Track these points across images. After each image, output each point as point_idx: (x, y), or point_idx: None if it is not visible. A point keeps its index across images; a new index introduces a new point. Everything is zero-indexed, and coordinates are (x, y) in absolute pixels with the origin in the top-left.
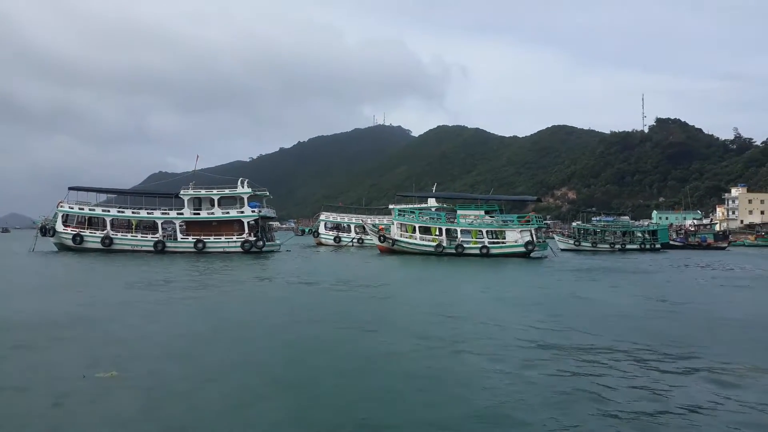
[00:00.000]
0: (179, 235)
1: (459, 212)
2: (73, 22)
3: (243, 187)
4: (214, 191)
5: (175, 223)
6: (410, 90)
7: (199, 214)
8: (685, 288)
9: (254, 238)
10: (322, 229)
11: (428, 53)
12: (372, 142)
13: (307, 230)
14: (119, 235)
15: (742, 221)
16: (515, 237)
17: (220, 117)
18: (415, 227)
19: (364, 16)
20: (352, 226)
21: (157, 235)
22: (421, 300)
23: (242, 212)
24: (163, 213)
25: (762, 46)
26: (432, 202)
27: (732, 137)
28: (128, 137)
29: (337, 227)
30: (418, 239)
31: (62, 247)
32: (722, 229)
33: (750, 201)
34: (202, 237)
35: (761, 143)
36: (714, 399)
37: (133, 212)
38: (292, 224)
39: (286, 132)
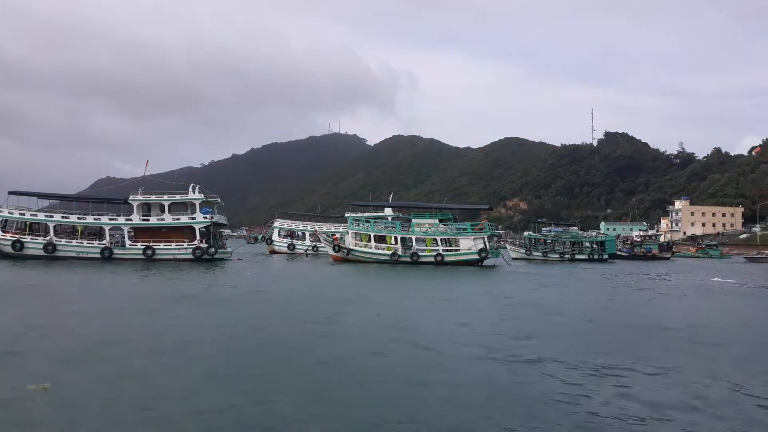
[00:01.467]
0: (128, 242)
1: (414, 221)
2: (10, 19)
3: (194, 193)
4: (165, 197)
5: (123, 230)
6: (361, 97)
7: (148, 220)
8: (626, 296)
9: (206, 245)
10: (275, 237)
11: (376, 60)
12: (327, 150)
13: (260, 238)
14: (63, 241)
15: (684, 233)
16: (469, 245)
17: (169, 121)
18: (370, 236)
19: (308, 21)
20: (307, 234)
21: (104, 242)
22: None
23: (194, 218)
24: (110, 219)
25: (705, 64)
26: (388, 211)
27: (676, 152)
28: (72, 141)
29: (292, 235)
30: (373, 248)
31: (0, 254)
32: (666, 240)
33: (692, 213)
34: (151, 243)
35: (703, 158)
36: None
37: (78, 218)
38: (244, 232)
39: (239, 138)
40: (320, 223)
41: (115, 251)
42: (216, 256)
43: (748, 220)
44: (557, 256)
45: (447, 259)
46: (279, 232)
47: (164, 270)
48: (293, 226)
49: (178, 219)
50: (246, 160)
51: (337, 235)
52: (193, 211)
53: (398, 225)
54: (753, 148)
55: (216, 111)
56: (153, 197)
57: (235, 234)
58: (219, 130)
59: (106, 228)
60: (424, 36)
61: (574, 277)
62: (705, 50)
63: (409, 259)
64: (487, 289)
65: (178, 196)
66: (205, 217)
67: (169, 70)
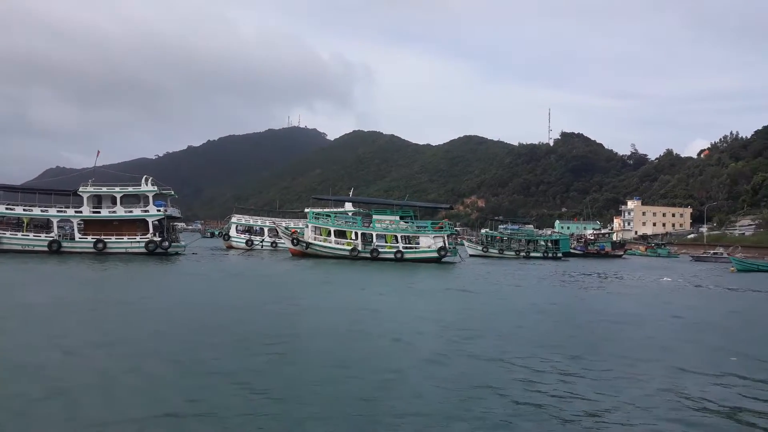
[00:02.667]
0: (77, 235)
1: (375, 217)
2: None
3: (147, 185)
4: (117, 189)
5: (72, 222)
6: (316, 88)
7: (99, 212)
8: (575, 292)
9: (159, 239)
10: (233, 232)
11: (328, 51)
12: (286, 144)
13: (216, 233)
14: (8, 233)
15: (636, 232)
16: (429, 242)
17: (121, 111)
18: (330, 231)
19: (255, 8)
20: (265, 229)
21: (52, 235)
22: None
23: (147, 211)
24: (59, 211)
25: (656, 69)
26: (349, 206)
27: (629, 153)
28: (17, 130)
29: (250, 230)
30: (333, 243)
31: None
32: (618, 239)
33: (644, 213)
34: (102, 237)
35: (655, 159)
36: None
37: (24, 209)
38: (199, 225)
39: (195, 130)
40: (279, 219)
41: (64, 244)
42: (170, 250)
43: (696, 220)
44: (513, 253)
45: (407, 256)
46: (236, 227)
47: (114, 264)
48: (251, 222)
49: (131, 212)
50: (202, 152)
51: (296, 229)
52: (146, 204)
53: (359, 221)
54: (702, 151)
55: (170, 101)
56: (104, 189)
57: (190, 227)
58: (174, 121)
59: (54, 220)
60: (382, 31)
61: (529, 274)
62: (657, 55)
63: (368, 255)
64: (445, 284)
65: (130, 188)
66: (158, 210)
67: (113, 58)
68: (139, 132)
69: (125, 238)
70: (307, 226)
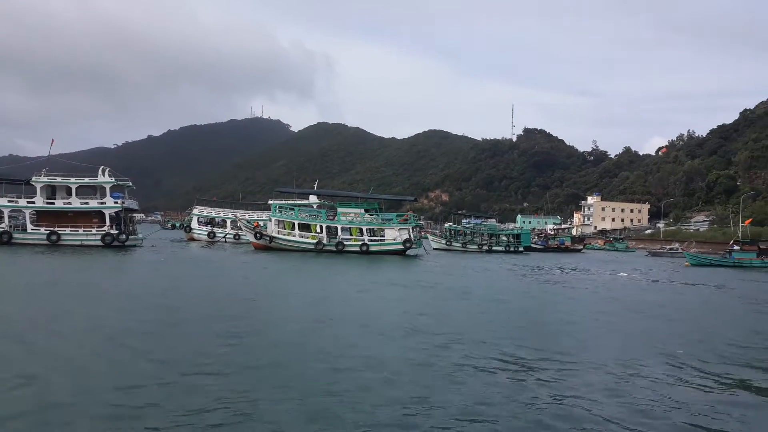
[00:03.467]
0: (29, 226)
1: (340, 210)
2: None
3: (104, 176)
4: (72, 179)
5: (24, 213)
6: (277, 76)
7: (53, 203)
8: (532, 286)
9: (116, 231)
10: (194, 224)
11: (288, 39)
12: (249, 135)
13: (177, 225)
14: None
15: (596, 227)
16: (394, 235)
17: (78, 99)
18: (294, 224)
19: None
20: (228, 222)
21: (3, 225)
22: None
23: (103, 203)
24: (10, 201)
25: (616, 67)
26: (313, 199)
27: (590, 149)
28: None
29: (211, 222)
30: (297, 236)
31: None
32: (578, 233)
33: (603, 209)
34: (56, 228)
35: (615, 156)
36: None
37: None
38: (159, 217)
39: (155, 119)
40: (242, 211)
41: (15, 236)
42: (127, 243)
43: (654, 216)
44: (476, 247)
45: (372, 248)
46: (198, 219)
47: (66, 255)
48: (213, 213)
49: (87, 203)
50: (163, 142)
51: (260, 223)
52: (103, 195)
53: (324, 213)
54: (660, 149)
55: (129, 90)
56: (59, 179)
57: (150, 219)
58: (134, 110)
59: (5, 211)
60: (345, 23)
61: (491, 266)
62: (616, 55)
63: (334, 248)
64: (412, 277)
65: (86, 179)
66: (115, 202)
67: (69, 44)
68: (97, 121)
69: (80, 230)
70: (270, 220)
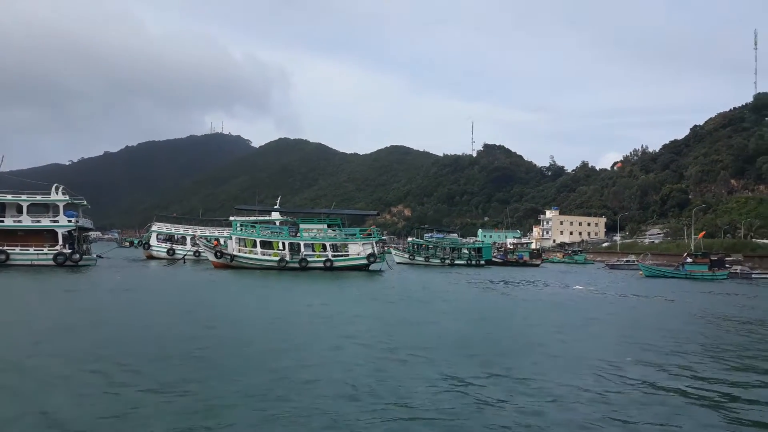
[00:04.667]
0: None
1: (302, 226)
2: None
3: (58, 193)
4: (23, 197)
5: None
6: (232, 91)
7: (2, 221)
8: (488, 300)
9: (69, 251)
10: (153, 241)
11: (240, 52)
12: (209, 151)
13: (136, 242)
14: None
15: (554, 240)
16: (358, 250)
17: (29, 113)
18: (255, 241)
19: (161, 8)
20: (188, 239)
21: None
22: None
23: (56, 221)
24: None
25: (568, 83)
26: (276, 215)
27: (548, 164)
28: None
29: (171, 239)
30: (259, 254)
31: None
32: (537, 247)
33: (561, 222)
34: (5, 248)
35: (572, 171)
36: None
37: None
38: (116, 235)
39: (112, 136)
40: (202, 227)
41: None
42: (81, 262)
43: (610, 229)
44: (438, 261)
45: (336, 264)
46: (157, 236)
47: (11, 276)
48: (173, 230)
49: (38, 221)
50: (120, 159)
51: (219, 241)
52: (56, 214)
53: (286, 230)
54: (615, 163)
55: (84, 105)
56: (9, 197)
57: (106, 237)
58: (90, 126)
59: None
60: (302, 38)
61: (452, 280)
62: (571, 71)
63: (297, 265)
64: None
65: (38, 197)
66: (69, 220)
67: (16, 57)
68: (49, 136)
69: (31, 250)
70: (230, 238)
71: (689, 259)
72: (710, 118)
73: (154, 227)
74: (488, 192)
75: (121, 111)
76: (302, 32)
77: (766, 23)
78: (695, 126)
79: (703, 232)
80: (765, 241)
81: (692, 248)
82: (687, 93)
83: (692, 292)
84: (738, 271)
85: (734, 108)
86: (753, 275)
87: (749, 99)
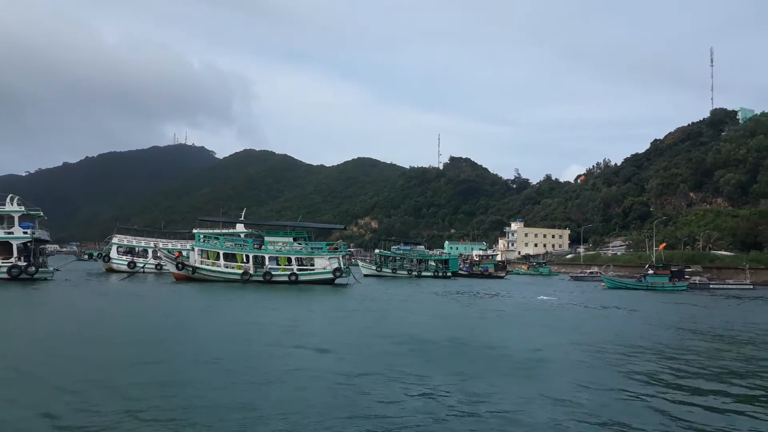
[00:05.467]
0: None
1: (267, 239)
2: None
3: (13, 204)
4: None
5: None
6: (192, 100)
7: None
8: (452, 310)
9: (24, 263)
10: (114, 254)
11: (198, 60)
12: (172, 162)
13: (95, 254)
14: None
15: (519, 252)
16: (324, 264)
17: None
18: (219, 254)
19: (117, 15)
20: (150, 251)
21: None
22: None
23: (11, 233)
24: None
25: (535, 96)
26: (240, 227)
27: (513, 177)
28: None
29: (132, 251)
30: (222, 267)
31: None
32: (502, 259)
33: (526, 234)
34: None
35: (536, 183)
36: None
37: None
38: (75, 247)
39: (72, 146)
40: (164, 240)
41: None
42: (36, 275)
43: (574, 241)
44: (405, 272)
45: (301, 278)
46: (118, 248)
47: None
48: (134, 242)
49: None
50: (80, 169)
51: (181, 252)
52: (11, 225)
53: (250, 243)
54: (578, 176)
55: (39, 113)
56: None
57: (64, 250)
58: (48, 136)
59: None
60: (266, 48)
61: (420, 291)
62: (535, 84)
63: (261, 279)
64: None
65: None
66: (24, 232)
67: None
68: (5, 147)
69: None
70: (193, 249)
71: (650, 271)
72: (669, 133)
73: (115, 239)
74: (455, 204)
75: (79, 120)
76: (265, 42)
77: (722, 41)
78: (655, 140)
79: (664, 244)
80: (723, 252)
81: (653, 260)
82: (648, 107)
83: (653, 303)
84: (697, 281)
85: (692, 123)
86: (711, 286)
87: (707, 114)
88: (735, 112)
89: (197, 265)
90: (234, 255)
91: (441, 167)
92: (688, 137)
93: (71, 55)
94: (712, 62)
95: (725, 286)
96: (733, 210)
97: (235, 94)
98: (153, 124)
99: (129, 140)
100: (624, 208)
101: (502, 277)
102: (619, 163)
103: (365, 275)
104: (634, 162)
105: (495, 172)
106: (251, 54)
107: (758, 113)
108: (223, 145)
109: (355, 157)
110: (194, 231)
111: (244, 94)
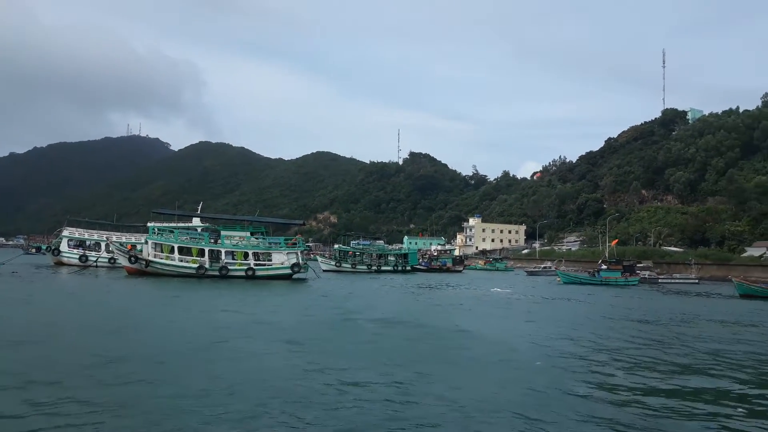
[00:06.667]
0: None
1: (224, 233)
2: None
3: None
4: None
5: None
6: (139, 88)
7: None
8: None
9: None
10: (64, 247)
11: (143, 45)
12: (125, 153)
13: (44, 248)
14: None
15: (477, 247)
16: (282, 259)
17: None
18: (173, 247)
19: None
20: (102, 244)
21: None
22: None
23: None
24: None
25: (493, 94)
26: (197, 221)
27: (471, 173)
28: None
29: (83, 244)
30: (177, 260)
31: None
32: (460, 254)
33: (484, 230)
34: None
35: (494, 180)
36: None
37: None
38: (21, 241)
39: (18, 135)
40: (118, 233)
41: None
42: None
43: (530, 236)
44: (365, 267)
45: (258, 273)
46: (68, 241)
47: None
48: (86, 235)
49: None
50: (27, 161)
51: (133, 245)
52: None
53: (206, 236)
54: (534, 173)
55: None
56: None
57: (11, 243)
58: None
59: None
60: (213, 36)
61: (381, 285)
62: (493, 82)
63: (217, 273)
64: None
65: None
66: None
67: None
68: None
69: None
70: (146, 242)
71: (604, 266)
72: (623, 131)
73: (66, 232)
74: (414, 199)
75: (25, 109)
76: (216, 31)
77: (674, 44)
78: (610, 138)
79: (617, 240)
80: (673, 248)
81: (606, 255)
82: (604, 107)
83: (605, 296)
84: (647, 276)
85: (645, 122)
86: (659, 280)
87: (659, 114)
88: (685, 113)
89: (151, 258)
90: (189, 249)
91: (401, 162)
92: (640, 136)
93: (5, 37)
94: (664, 63)
95: (672, 281)
96: (682, 207)
97: (185, 83)
98: (103, 114)
99: (80, 131)
100: (578, 204)
101: (460, 271)
102: (574, 161)
103: (324, 270)
104: (589, 160)
105: (454, 168)
106: (201, 43)
107: (707, 114)
108: (178, 137)
109: (315, 151)
110: (149, 225)
111: (194, 82)
